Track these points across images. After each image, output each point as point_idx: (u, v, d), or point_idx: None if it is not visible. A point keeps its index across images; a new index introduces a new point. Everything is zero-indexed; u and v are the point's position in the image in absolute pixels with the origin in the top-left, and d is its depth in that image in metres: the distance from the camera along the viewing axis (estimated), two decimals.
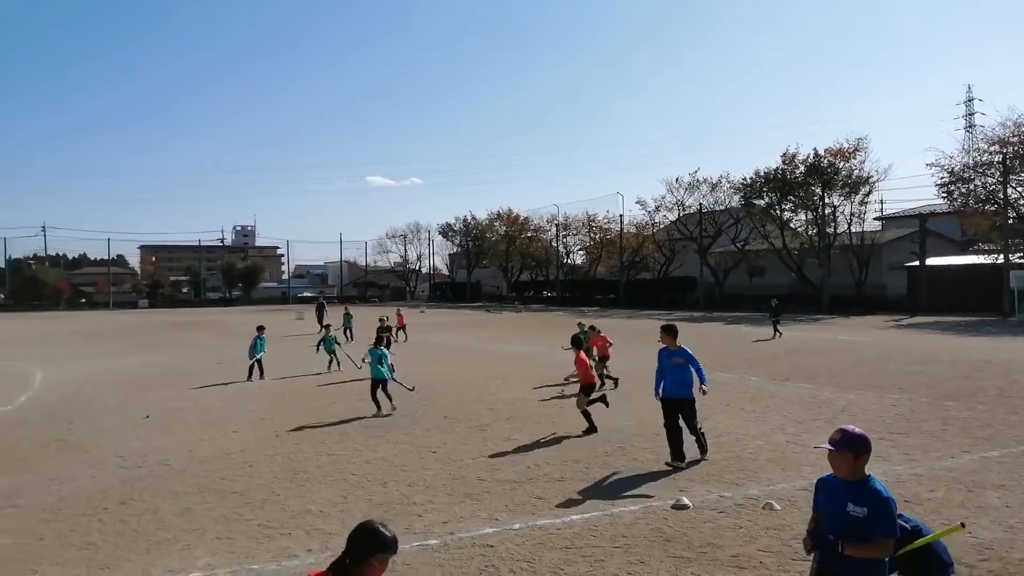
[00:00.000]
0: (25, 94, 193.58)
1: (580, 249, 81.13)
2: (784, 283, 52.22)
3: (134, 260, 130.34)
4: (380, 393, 13.07)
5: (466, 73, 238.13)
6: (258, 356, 18.13)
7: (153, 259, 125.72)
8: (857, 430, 3.85)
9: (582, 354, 11.80)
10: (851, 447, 3.75)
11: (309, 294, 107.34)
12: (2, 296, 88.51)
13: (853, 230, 49.21)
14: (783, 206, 51.56)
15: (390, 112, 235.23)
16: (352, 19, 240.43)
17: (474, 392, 15.11)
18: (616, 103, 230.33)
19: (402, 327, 30.45)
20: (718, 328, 34.53)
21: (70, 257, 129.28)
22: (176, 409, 13.99)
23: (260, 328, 19.07)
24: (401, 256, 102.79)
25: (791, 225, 52.94)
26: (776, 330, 27.90)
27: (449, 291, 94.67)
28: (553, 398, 14.45)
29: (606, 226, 71.90)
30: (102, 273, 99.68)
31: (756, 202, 52.98)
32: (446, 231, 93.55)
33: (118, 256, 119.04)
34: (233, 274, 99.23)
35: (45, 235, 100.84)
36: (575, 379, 13.78)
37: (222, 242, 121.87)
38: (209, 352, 26.21)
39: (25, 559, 6.31)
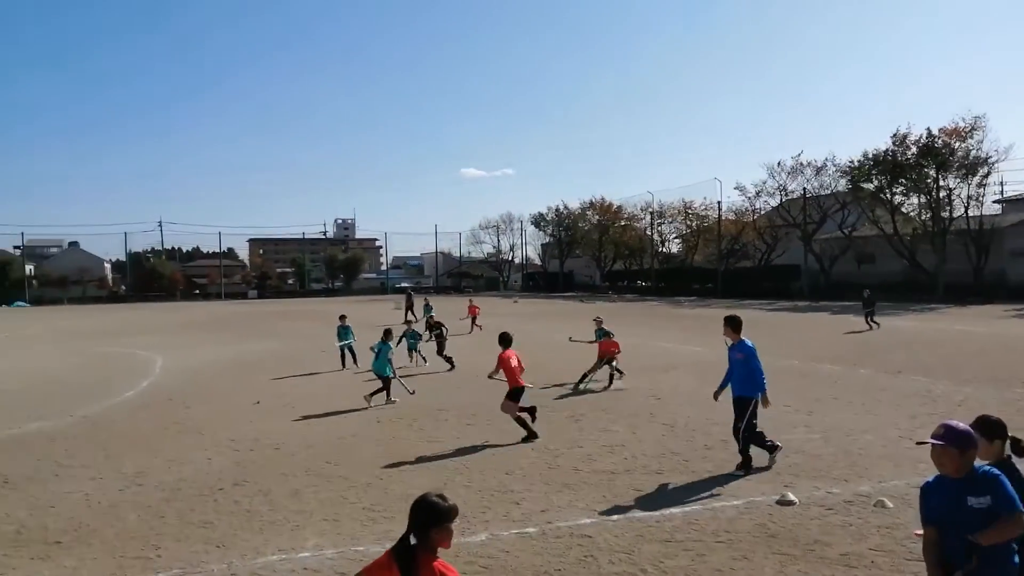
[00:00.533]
0: (133, 94, 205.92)
1: (676, 237, 79.65)
2: (895, 270, 49.65)
3: (243, 253, 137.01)
4: (395, 383, 13.19)
5: (555, 62, 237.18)
6: (348, 342, 18.68)
7: (261, 251, 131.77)
8: (961, 425, 3.62)
9: (507, 352, 10.57)
10: (956, 443, 3.52)
11: (406, 284, 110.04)
12: (124, 287, 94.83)
13: (970, 214, 46.22)
14: (894, 189, 49.01)
15: (482, 104, 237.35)
16: (441, 13, 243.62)
17: (569, 382, 15.07)
18: (713, 87, 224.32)
19: (474, 318, 30.22)
20: (823, 319, 33.15)
21: (184, 250, 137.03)
22: (284, 395, 14.61)
23: (342, 317, 19.67)
24: (494, 246, 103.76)
25: (903, 209, 50.27)
26: (869, 322, 26.42)
27: (542, 281, 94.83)
28: (649, 391, 14.24)
29: (703, 213, 70.25)
30: (214, 265, 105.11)
31: (864, 186, 50.53)
32: (538, 221, 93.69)
33: (229, 249, 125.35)
34: (335, 265, 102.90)
35: (162, 230, 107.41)
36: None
37: (324, 235, 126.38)
38: (313, 340, 27.19)
39: (149, 535, 6.73)
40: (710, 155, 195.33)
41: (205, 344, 26.76)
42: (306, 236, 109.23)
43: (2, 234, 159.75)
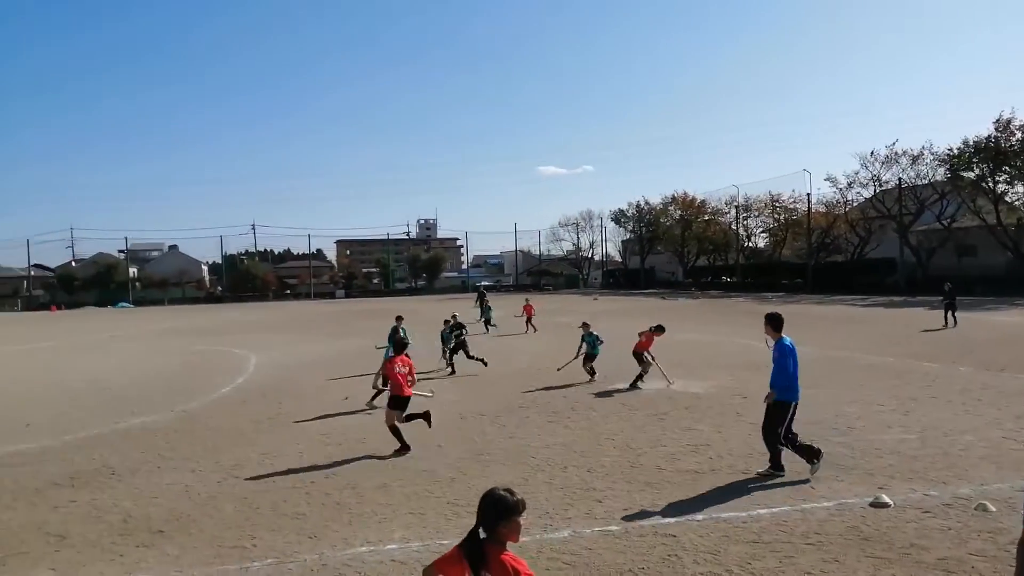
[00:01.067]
0: (235, 103, 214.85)
1: (762, 231, 77.54)
2: (998, 263, 46.96)
3: (331, 254, 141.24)
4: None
5: (636, 56, 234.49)
6: (389, 346, 18.00)
7: (348, 252, 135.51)
8: None
9: (395, 359, 10.02)
10: None
11: (486, 283, 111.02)
12: (220, 288, 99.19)
13: None
14: (996, 178, 46.32)
15: (560, 101, 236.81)
16: (520, 12, 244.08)
17: (651, 380, 14.91)
18: (797, 77, 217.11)
19: (529, 318, 29.71)
20: (920, 314, 31.60)
21: (276, 252, 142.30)
22: (369, 391, 14.94)
23: (398, 318, 18.89)
24: (573, 244, 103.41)
25: (1006, 199, 47.42)
26: (948, 317, 24.93)
27: (622, 278, 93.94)
28: (735, 389, 13.93)
29: (791, 206, 68.06)
30: (304, 266, 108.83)
31: (965, 174, 47.95)
32: (618, 217, 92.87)
33: (317, 250, 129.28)
34: (418, 265, 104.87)
35: (254, 232, 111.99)
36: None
37: (407, 235, 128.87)
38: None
39: (245, 525, 7.04)
40: (797, 146, 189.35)
41: (295, 342, 27.71)
42: (390, 237, 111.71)
43: (108, 239, 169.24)
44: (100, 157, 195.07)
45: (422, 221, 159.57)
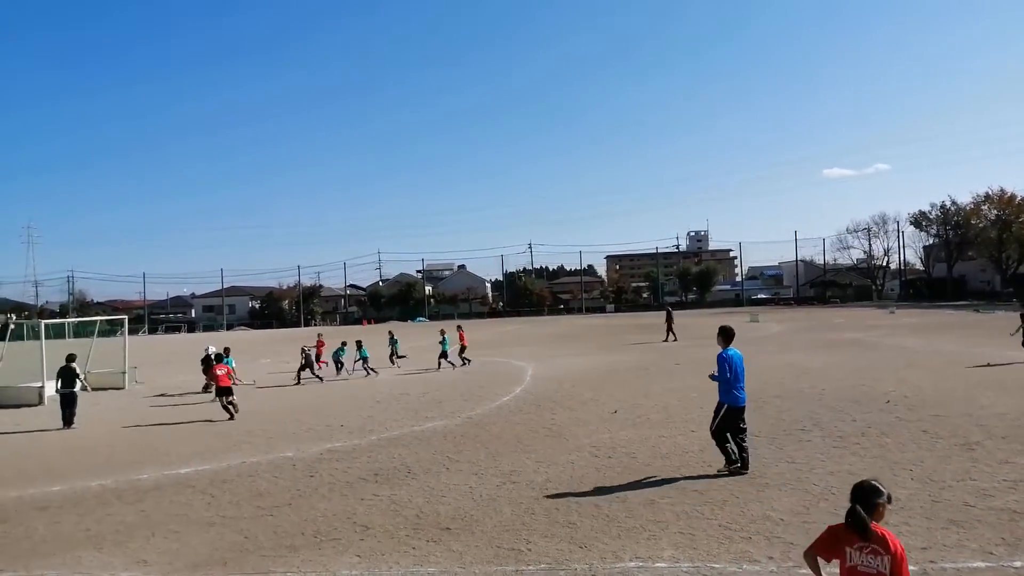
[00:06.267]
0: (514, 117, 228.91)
1: None
2: None
3: (602, 269, 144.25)
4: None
5: (931, 36, 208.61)
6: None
7: (617, 267, 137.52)
8: None
9: (220, 365, 16.77)
10: None
11: (764, 295, 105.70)
12: (502, 304, 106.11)
13: None
14: None
15: (846, 97, 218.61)
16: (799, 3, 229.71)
17: (959, 404, 13.12)
18: None
19: (670, 328, 28.49)
20: None
21: (550, 268, 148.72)
22: (639, 405, 14.99)
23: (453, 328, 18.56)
24: (864, 251, 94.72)
25: None
26: None
27: (924, 288, 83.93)
28: None
29: None
30: (575, 282, 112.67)
31: None
32: (919, 220, 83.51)
33: (588, 266, 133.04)
34: (688, 278, 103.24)
35: (531, 251, 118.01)
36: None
37: (677, 248, 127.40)
38: (668, 353, 27.52)
39: (521, 529, 7.38)
40: None
41: (567, 355, 28.66)
42: (659, 250, 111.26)
43: (407, 261, 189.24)
44: (401, 190, 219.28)
45: (692, 233, 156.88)
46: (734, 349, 9.31)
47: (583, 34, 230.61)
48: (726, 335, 9.36)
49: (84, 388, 17.75)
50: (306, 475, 10.30)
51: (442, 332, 26.59)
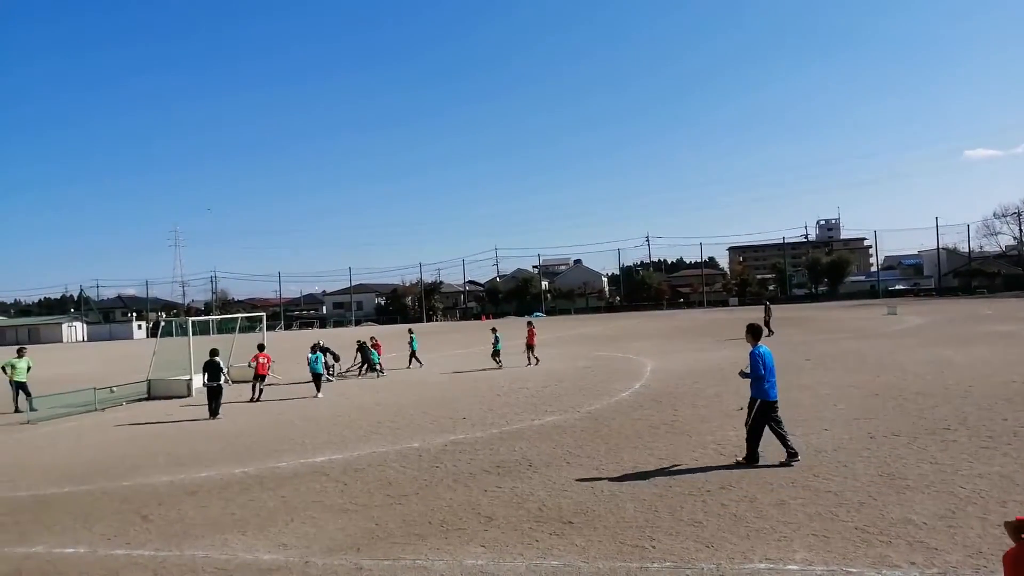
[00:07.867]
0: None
1: None
2: None
3: (723, 261, 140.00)
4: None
5: None
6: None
7: (741, 259, 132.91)
8: None
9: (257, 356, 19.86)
10: None
11: (902, 286, 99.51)
12: (619, 298, 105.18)
13: None
14: None
15: (990, 74, 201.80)
16: None
17: None
18: None
19: (767, 322, 27.13)
20: None
21: (669, 262, 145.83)
22: None
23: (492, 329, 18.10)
24: (1015, 237, 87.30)
25: None
26: None
27: None
28: None
29: None
30: (696, 275, 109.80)
31: None
32: None
33: (709, 259, 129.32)
34: (818, 269, 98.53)
35: (649, 244, 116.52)
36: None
37: (806, 238, 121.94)
38: (798, 349, 26.43)
39: (644, 526, 7.29)
40: None
41: (688, 350, 28.03)
42: (786, 241, 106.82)
43: (524, 256, 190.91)
44: (521, 187, 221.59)
45: (822, 222, 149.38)
46: (764, 346, 9.75)
47: (721, 33, 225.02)
48: (755, 332, 9.94)
49: (227, 382, 18.98)
50: (432, 465, 10.60)
51: (410, 331, 29.53)
